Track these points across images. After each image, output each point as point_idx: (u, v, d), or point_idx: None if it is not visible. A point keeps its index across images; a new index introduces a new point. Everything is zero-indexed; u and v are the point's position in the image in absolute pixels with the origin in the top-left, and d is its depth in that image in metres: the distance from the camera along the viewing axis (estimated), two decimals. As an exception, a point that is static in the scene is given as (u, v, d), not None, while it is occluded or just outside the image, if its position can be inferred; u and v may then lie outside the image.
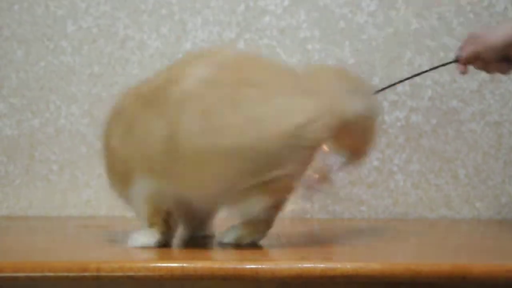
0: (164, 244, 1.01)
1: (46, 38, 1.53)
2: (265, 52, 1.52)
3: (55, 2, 1.52)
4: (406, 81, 1.52)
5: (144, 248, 0.99)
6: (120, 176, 1.02)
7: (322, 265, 0.85)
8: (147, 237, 1.00)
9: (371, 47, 1.53)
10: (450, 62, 1.29)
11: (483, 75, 1.51)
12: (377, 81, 1.52)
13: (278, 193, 0.96)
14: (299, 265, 0.85)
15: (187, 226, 1.10)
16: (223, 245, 1.01)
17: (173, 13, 1.53)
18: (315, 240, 1.16)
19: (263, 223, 1.00)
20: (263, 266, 0.84)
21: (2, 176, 1.52)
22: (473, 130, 1.53)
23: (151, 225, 1.01)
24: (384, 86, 1.33)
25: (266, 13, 1.53)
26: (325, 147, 1.04)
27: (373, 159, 1.52)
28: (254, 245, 1.00)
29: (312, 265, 0.85)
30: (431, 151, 1.53)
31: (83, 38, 1.53)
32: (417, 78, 1.52)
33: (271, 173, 0.93)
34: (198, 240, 1.09)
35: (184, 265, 0.85)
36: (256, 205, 0.95)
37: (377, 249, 1.07)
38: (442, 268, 0.83)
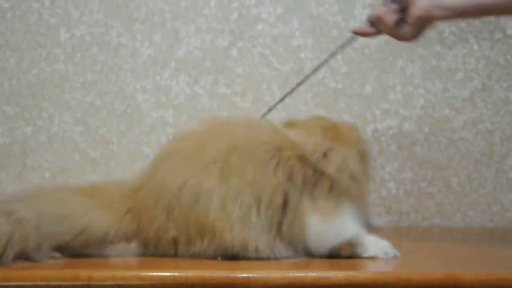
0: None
1: (39, 46, 1.53)
2: (258, 60, 1.53)
3: (49, 10, 1.52)
4: (398, 90, 1.52)
5: (134, 256, 0.99)
6: None
7: (314, 274, 0.85)
8: None
9: (364, 56, 1.54)
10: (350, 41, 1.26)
11: (475, 83, 1.52)
12: (369, 90, 1.53)
13: None
14: (291, 274, 0.85)
15: None
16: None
17: (166, 21, 1.53)
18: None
19: None
20: (255, 275, 0.84)
21: (-6, 184, 1.52)
22: (465, 138, 1.53)
23: None
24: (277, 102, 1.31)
25: (259, 21, 1.54)
26: None
27: (365, 167, 1.52)
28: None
29: (304, 274, 0.85)
30: (424, 159, 1.53)
31: (76, 46, 1.53)
32: (409, 87, 1.53)
33: None
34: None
35: (176, 274, 0.85)
36: None
37: (369, 257, 1.06)
38: (433, 277, 0.83)
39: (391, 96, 1.53)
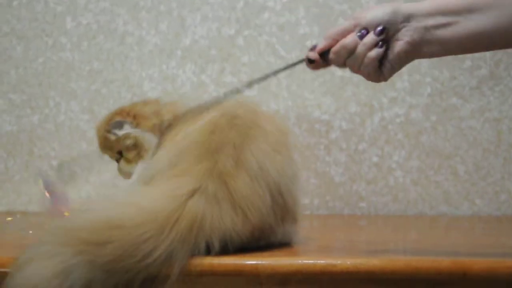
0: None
1: (45, 34, 1.52)
2: (264, 49, 1.52)
3: (54, -2, 1.52)
4: (405, 78, 1.52)
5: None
6: None
7: (322, 261, 0.85)
8: None
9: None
10: (300, 61, 0.97)
11: (483, 71, 1.52)
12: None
13: None
14: (300, 261, 0.85)
15: None
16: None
17: (172, 9, 1.53)
18: (315, 236, 1.16)
19: None
20: (263, 262, 0.84)
21: (2, 172, 1.52)
22: (472, 127, 1.53)
23: None
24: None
25: (265, 10, 1.53)
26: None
27: (372, 155, 1.52)
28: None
29: (313, 261, 0.85)
30: (431, 148, 1.53)
31: (82, 34, 1.52)
32: (416, 75, 1.52)
33: None
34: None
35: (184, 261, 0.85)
36: None
37: (377, 245, 1.06)
38: (442, 265, 0.83)
39: (398, 85, 1.53)
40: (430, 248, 1.03)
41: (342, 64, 0.92)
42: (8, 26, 1.52)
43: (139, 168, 1.09)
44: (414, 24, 0.87)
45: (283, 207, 0.93)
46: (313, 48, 0.94)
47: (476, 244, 1.08)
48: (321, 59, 0.93)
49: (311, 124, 1.52)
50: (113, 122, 1.11)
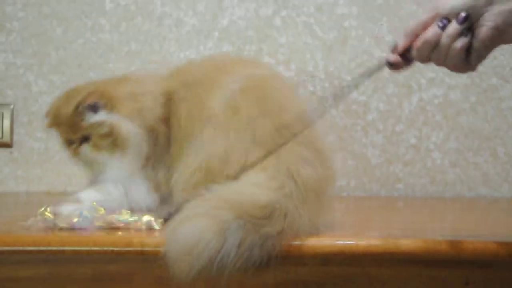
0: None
1: (84, 16, 1.54)
2: (302, 30, 1.51)
3: (94, -21, 1.53)
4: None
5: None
6: None
7: (364, 242, 0.85)
8: None
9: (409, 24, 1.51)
10: (381, 67, 0.91)
11: (524, 52, 1.49)
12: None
13: None
14: (341, 241, 0.85)
15: None
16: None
17: (210, -10, 1.53)
18: (353, 218, 1.16)
19: None
20: (306, 243, 0.85)
21: (42, 152, 1.54)
22: (512, 108, 1.51)
23: None
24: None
25: (303, -10, 1.52)
26: None
27: (410, 136, 1.51)
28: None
29: (355, 242, 0.85)
30: (470, 129, 1.51)
31: (121, 15, 1.53)
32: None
33: None
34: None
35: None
36: None
37: (416, 227, 1.06)
38: (488, 246, 0.82)
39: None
40: (471, 230, 1.03)
41: (427, 60, 0.86)
42: (49, 8, 1.53)
43: (117, 161, 1.03)
44: (497, 8, 0.81)
45: None
46: (394, 49, 0.88)
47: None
48: (403, 59, 0.88)
49: (348, 105, 1.52)
50: (86, 104, 1.03)
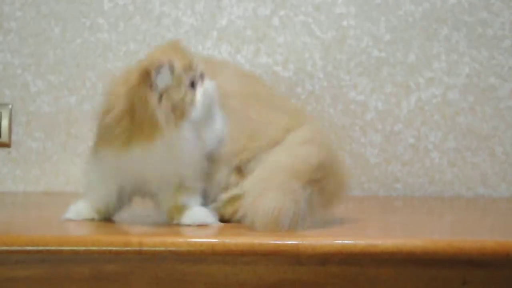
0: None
1: (82, 16, 1.53)
2: (300, 29, 1.51)
3: (92, -21, 1.53)
4: (443, 58, 1.50)
5: (184, 224, 0.99)
6: None
7: (362, 242, 0.85)
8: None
9: (407, 23, 1.51)
10: None
11: (522, 51, 1.49)
12: (413, 58, 1.51)
13: None
14: (340, 241, 0.85)
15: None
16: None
17: (208, -10, 1.53)
18: (351, 217, 1.16)
19: None
20: (304, 242, 0.85)
21: (40, 153, 1.54)
22: (511, 107, 1.51)
23: None
24: None
25: (301, -11, 1.52)
26: None
27: (408, 136, 1.51)
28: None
29: (353, 241, 0.85)
30: (468, 129, 1.51)
31: (119, 15, 1.53)
32: (454, 55, 1.50)
33: None
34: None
35: (226, 241, 0.85)
36: None
37: (414, 226, 1.06)
38: (485, 245, 0.82)
39: (435, 65, 1.51)
40: (469, 229, 1.03)
41: None
42: (47, 8, 1.53)
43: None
44: None
45: None
46: None
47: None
48: None
49: (346, 105, 1.52)
50: (156, 67, 0.92)
